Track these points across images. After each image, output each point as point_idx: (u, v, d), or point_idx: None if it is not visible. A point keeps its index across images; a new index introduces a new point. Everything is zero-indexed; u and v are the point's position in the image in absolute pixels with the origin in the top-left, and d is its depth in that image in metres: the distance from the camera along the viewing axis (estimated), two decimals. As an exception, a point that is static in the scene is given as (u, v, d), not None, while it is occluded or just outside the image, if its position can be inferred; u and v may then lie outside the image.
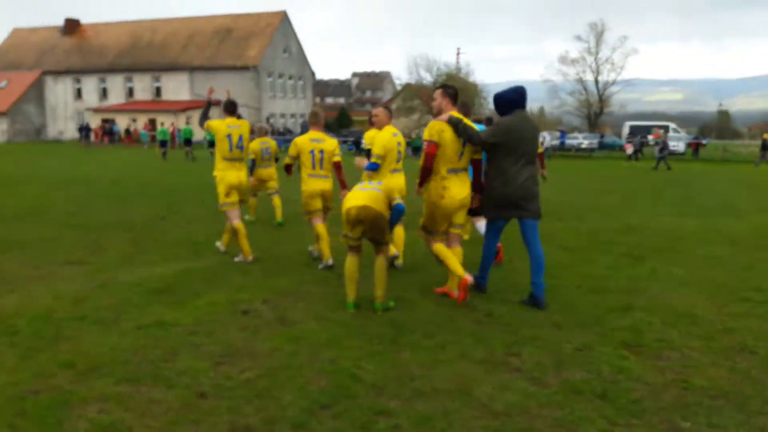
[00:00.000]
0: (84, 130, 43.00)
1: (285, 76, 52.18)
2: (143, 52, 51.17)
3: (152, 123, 42.87)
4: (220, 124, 6.85)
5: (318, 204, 6.69)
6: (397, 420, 3.21)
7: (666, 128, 45.84)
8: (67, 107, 52.20)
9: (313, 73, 57.18)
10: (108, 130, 45.40)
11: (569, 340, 4.43)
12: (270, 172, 9.91)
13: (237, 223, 6.88)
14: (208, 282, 6.02)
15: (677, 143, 40.47)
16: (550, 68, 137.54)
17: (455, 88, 5.36)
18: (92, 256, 7.21)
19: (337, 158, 6.63)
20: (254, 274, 6.37)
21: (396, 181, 5.86)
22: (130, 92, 50.93)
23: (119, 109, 48.38)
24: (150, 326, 4.67)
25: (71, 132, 50.00)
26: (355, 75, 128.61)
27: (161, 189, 14.56)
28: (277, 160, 10.11)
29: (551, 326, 4.74)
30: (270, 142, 9.95)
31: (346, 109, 78.75)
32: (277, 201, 9.93)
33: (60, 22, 56.04)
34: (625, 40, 56.35)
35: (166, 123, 36.48)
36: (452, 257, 5.22)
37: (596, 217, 11.32)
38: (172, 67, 49.20)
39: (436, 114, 5.25)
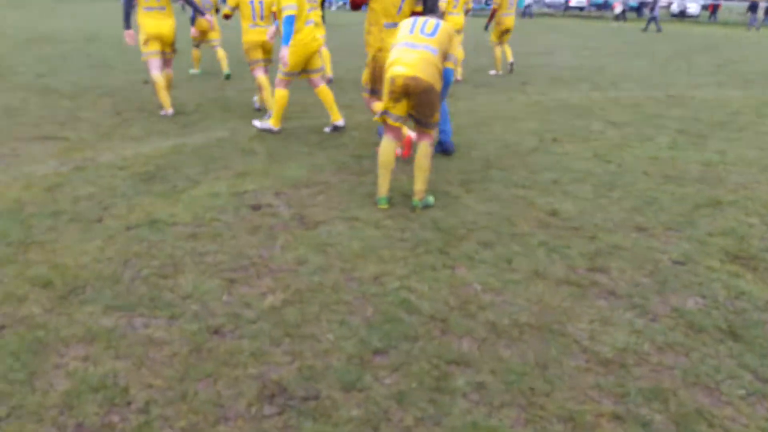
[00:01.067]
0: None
1: None
2: None
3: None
4: None
5: (259, 54, 6.75)
6: (480, 375, 2.42)
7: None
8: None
9: None
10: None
11: (662, 249, 3.60)
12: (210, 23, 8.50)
13: (155, 74, 6.59)
14: (204, 165, 5.04)
15: (691, 4, 37.79)
16: None
17: None
18: (66, 129, 6.12)
19: (275, 8, 5.98)
20: (258, 156, 5.38)
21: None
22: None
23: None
24: (141, 226, 3.77)
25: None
26: None
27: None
28: (218, 11, 9.75)
29: (634, 229, 3.89)
30: None
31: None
32: (220, 53, 9.70)
33: None
34: None
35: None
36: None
37: (632, 85, 10.18)
38: None
39: None
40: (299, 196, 4.41)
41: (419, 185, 4.15)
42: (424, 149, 4.12)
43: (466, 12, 9.52)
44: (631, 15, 35.98)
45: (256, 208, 4.15)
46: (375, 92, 5.15)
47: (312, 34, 5.80)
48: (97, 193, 4.31)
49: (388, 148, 4.14)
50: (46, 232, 3.66)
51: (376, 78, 5.07)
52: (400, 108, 4.01)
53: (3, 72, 9.50)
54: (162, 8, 6.39)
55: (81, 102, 7.44)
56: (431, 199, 4.24)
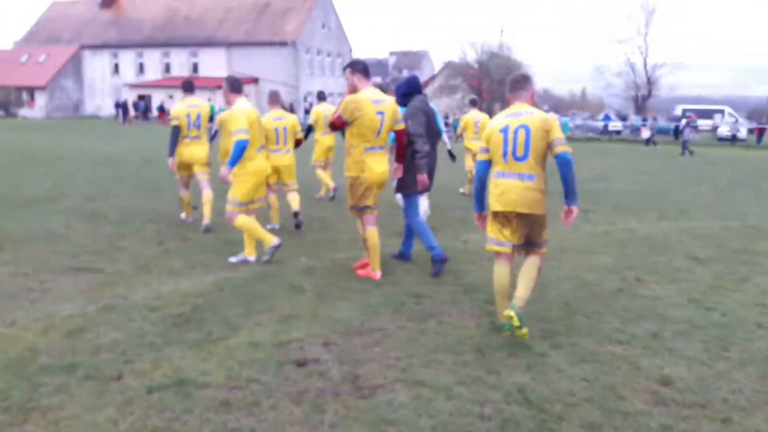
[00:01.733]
0: (120, 106, 42.11)
1: (323, 53, 50.45)
2: (180, 27, 49.98)
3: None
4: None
5: (274, 178, 7.29)
6: None
7: (722, 112, 42.80)
8: (104, 82, 51.51)
9: (350, 50, 55.27)
10: (136, 106, 44.55)
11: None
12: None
13: (183, 192, 7.63)
14: (246, 305, 4.49)
15: (737, 128, 37.48)
16: (598, 49, 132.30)
17: (364, 63, 5.23)
18: (103, 259, 5.74)
19: (299, 135, 7.48)
20: (305, 294, 4.82)
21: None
22: (167, 68, 49.91)
23: (156, 85, 47.40)
24: (166, 388, 3.16)
25: (108, 108, 49.30)
26: (392, 54, 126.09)
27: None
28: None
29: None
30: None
31: (384, 87, 76.80)
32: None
33: (97, -6, 55.20)
34: (673, 21, 52.63)
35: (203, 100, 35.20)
36: (375, 247, 5.27)
37: (701, 213, 9.49)
38: (210, 43, 47.93)
39: (351, 92, 5.07)
40: (351, 347, 3.77)
41: (522, 292, 3.81)
42: (534, 261, 4.04)
43: None
44: (666, 138, 35.69)
45: (301, 364, 3.50)
46: (362, 209, 5.21)
47: (264, 160, 5.86)
48: (122, 341, 3.76)
49: (501, 274, 4.01)
50: (54, 394, 3.08)
51: (361, 197, 5.15)
52: (510, 235, 3.97)
53: (55, 196, 9.51)
54: (198, 137, 7.30)
55: (125, 229, 7.17)
56: (517, 321, 3.66)
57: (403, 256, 5.96)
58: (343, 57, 53.70)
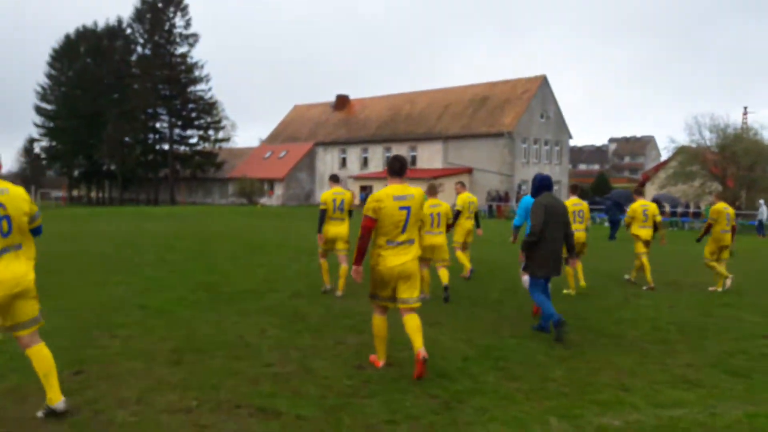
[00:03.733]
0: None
1: (540, 142, 48.94)
2: (401, 124, 52.80)
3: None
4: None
5: (428, 254, 8.29)
6: None
7: None
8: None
9: (570, 137, 52.96)
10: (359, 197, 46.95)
11: None
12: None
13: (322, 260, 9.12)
14: None
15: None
16: None
17: (400, 161, 5.22)
18: (285, 391, 4.55)
19: (450, 220, 8.77)
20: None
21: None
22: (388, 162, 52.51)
23: (377, 177, 49.99)
24: None
25: (334, 198, 52.93)
26: (612, 140, 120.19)
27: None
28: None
29: None
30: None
31: (606, 175, 72.28)
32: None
33: (332, 98, 61.29)
34: None
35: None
36: (380, 337, 5.25)
37: None
38: (428, 137, 49.60)
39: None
40: None
41: None
42: None
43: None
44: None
45: None
46: (375, 297, 5.27)
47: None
48: None
49: None
50: None
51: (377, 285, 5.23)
52: None
53: (263, 290, 9.01)
54: (341, 219, 8.81)
55: (321, 340, 6.06)
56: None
57: (542, 328, 6.76)
58: (562, 145, 51.62)
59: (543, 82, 48.82)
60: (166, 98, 63.02)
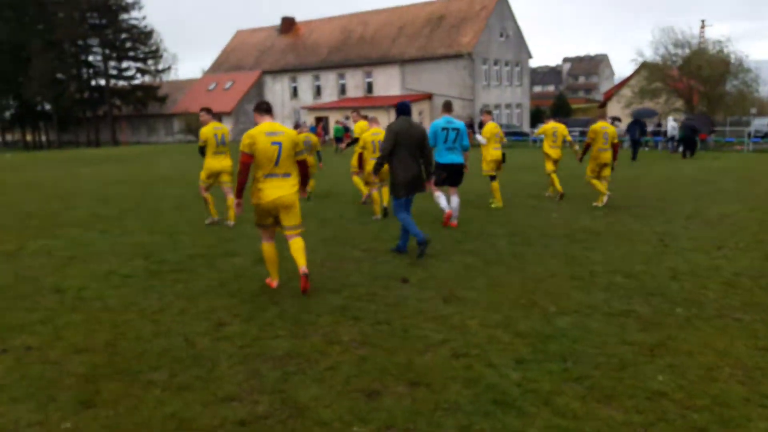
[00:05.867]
0: (298, 128, 42.08)
1: (501, 63, 46.80)
2: (354, 48, 49.57)
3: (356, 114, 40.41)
4: None
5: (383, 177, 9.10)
6: None
7: None
8: (284, 106, 52.78)
9: (530, 56, 50.91)
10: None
11: None
12: None
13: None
14: None
15: None
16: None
17: (267, 102, 5.79)
18: None
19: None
20: None
21: None
22: (343, 89, 49.68)
23: (332, 107, 47.25)
24: None
25: (287, 131, 50.14)
26: (566, 60, 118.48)
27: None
28: None
29: None
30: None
31: (564, 96, 71.13)
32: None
33: (277, 21, 57.09)
34: None
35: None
36: (271, 261, 5.68)
37: None
38: (383, 61, 46.73)
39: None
40: None
41: None
42: None
43: None
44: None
45: None
46: (260, 225, 5.71)
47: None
48: None
49: None
50: None
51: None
52: None
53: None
54: (224, 153, 9.22)
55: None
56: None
57: (399, 249, 7.19)
58: (522, 65, 49.68)
59: (501, -1, 46.21)
60: (96, 27, 57.70)
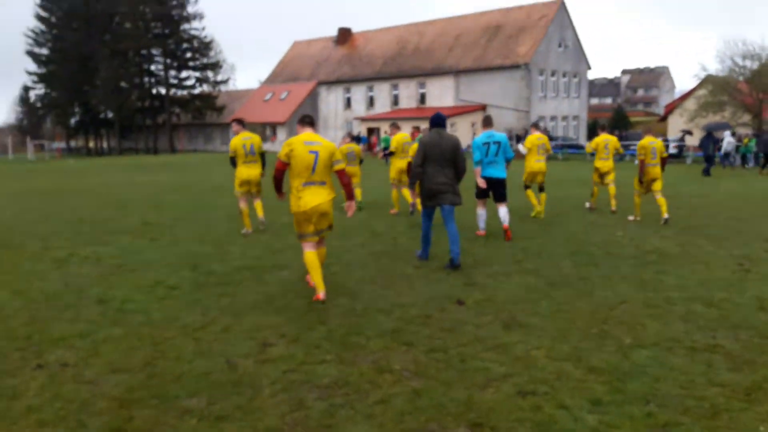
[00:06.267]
0: (354, 139, 42.09)
1: (558, 74, 45.69)
2: (409, 58, 49.41)
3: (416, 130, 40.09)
4: None
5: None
6: None
7: None
8: (337, 116, 53.10)
9: (589, 67, 49.53)
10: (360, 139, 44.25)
11: None
12: None
13: None
14: None
15: None
16: None
17: (310, 116, 6.00)
18: None
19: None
20: None
21: None
22: (396, 100, 49.58)
23: (384, 117, 47.15)
24: None
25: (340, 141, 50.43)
26: (625, 72, 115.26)
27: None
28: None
29: None
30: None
31: (622, 108, 69.05)
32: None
33: (334, 32, 57.60)
34: None
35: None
36: (315, 268, 5.61)
37: None
38: (437, 72, 46.37)
39: None
40: None
41: None
42: None
43: None
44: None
45: None
46: (302, 236, 5.76)
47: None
48: None
49: None
50: None
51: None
52: None
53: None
54: (255, 162, 9.28)
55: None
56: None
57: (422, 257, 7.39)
58: (580, 76, 48.39)
59: (560, 6, 45.18)
60: (158, 37, 59.73)
